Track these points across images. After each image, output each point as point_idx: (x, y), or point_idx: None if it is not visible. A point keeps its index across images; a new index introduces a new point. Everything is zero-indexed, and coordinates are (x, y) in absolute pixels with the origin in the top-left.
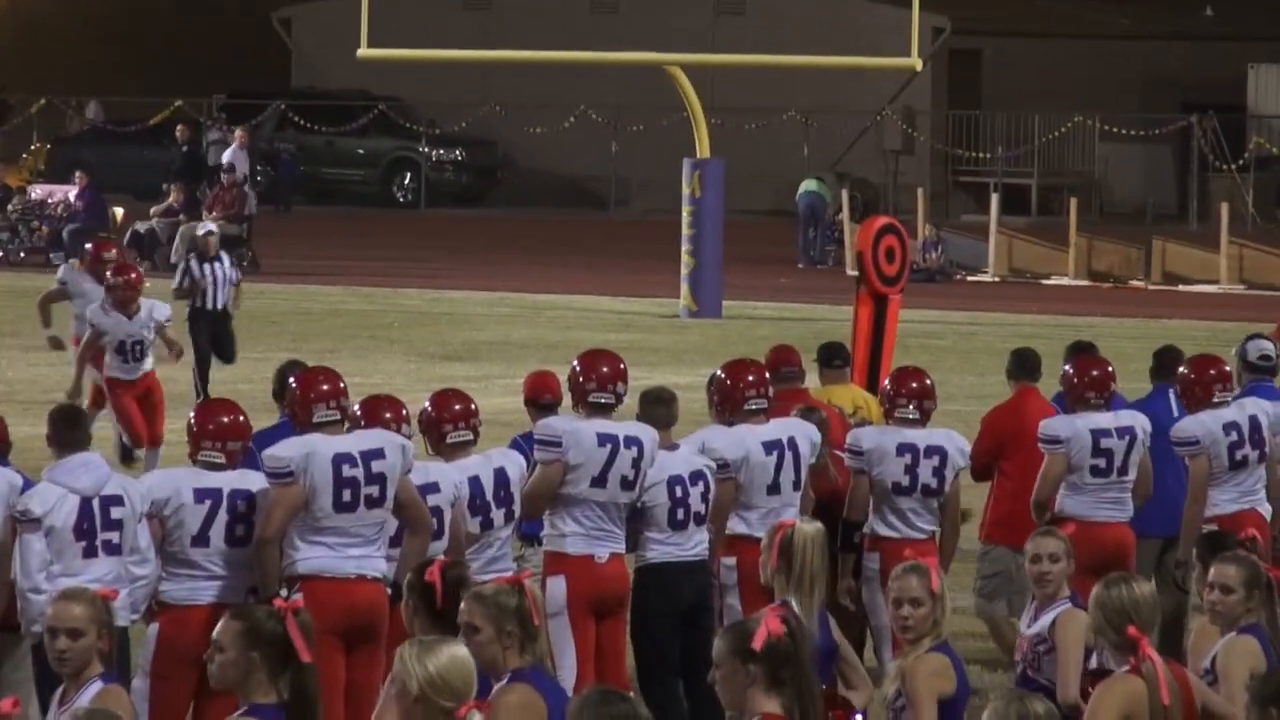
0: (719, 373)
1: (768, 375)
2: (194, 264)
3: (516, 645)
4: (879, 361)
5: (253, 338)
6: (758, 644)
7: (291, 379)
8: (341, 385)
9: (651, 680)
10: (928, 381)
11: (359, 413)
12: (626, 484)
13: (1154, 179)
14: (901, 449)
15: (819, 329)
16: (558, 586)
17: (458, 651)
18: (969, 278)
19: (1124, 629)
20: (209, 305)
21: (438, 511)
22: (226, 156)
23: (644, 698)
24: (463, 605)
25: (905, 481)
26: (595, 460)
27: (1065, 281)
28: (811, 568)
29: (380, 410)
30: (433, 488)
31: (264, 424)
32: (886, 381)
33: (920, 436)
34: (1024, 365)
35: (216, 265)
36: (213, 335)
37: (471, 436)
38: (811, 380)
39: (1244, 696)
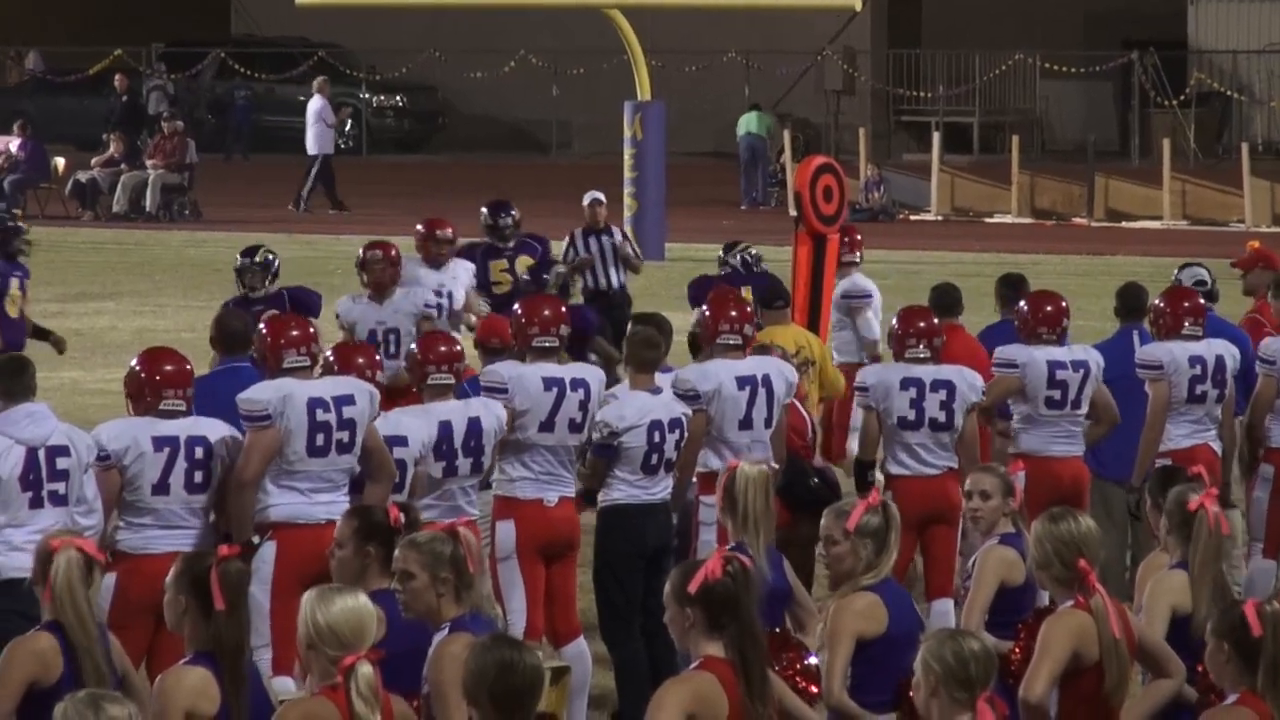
0: (704, 306)
1: (750, 311)
2: (579, 237)
3: (452, 592)
4: (819, 301)
5: (195, 286)
6: (692, 587)
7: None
8: (312, 331)
9: (613, 622)
10: (935, 320)
11: (331, 359)
12: (575, 427)
13: (1096, 116)
14: (906, 383)
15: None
16: (507, 530)
17: (352, 602)
18: (912, 217)
19: (1074, 562)
20: (601, 284)
21: (402, 465)
22: (313, 106)
23: (605, 640)
24: (397, 552)
25: (911, 416)
26: (542, 405)
27: (1008, 219)
28: (754, 509)
29: (353, 357)
30: (400, 441)
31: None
32: (894, 321)
33: (927, 371)
34: (943, 302)
35: (604, 238)
36: (611, 319)
37: (453, 380)
38: None
39: (1162, 627)
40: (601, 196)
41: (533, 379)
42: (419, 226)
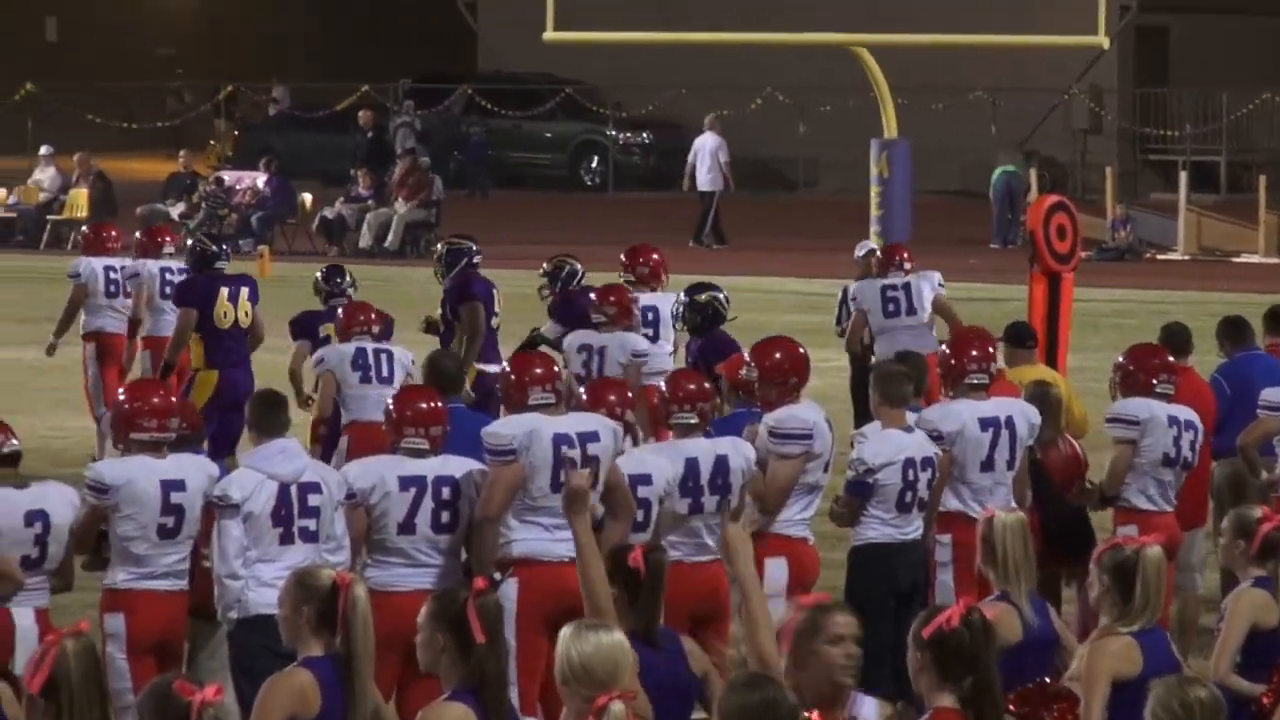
0: (943, 345)
1: (992, 350)
2: (849, 291)
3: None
4: (1056, 339)
5: None
6: (926, 632)
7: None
8: (556, 369)
9: (865, 662)
10: (1170, 358)
11: (584, 395)
12: (826, 469)
13: None
14: (1171, 420)
15: (1008, 309)
16: (779, 569)
17: (606, 639)
18: (1158, 256)
19: None
20: (865, 339)
21: (645, 503)
22: (708, 144)
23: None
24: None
25: (1173, 453)
26: (829, 447)
27: (1255, 259)
28: (1014, 557)
29: (605, 393)
30: (644, 479)
31: None
32: (1130, 357)
33: (1181, 411)
34: (1173, 342)
35: None
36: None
37: (697, 420)
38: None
39: None
40: (876, 248)
41: (821, 423)
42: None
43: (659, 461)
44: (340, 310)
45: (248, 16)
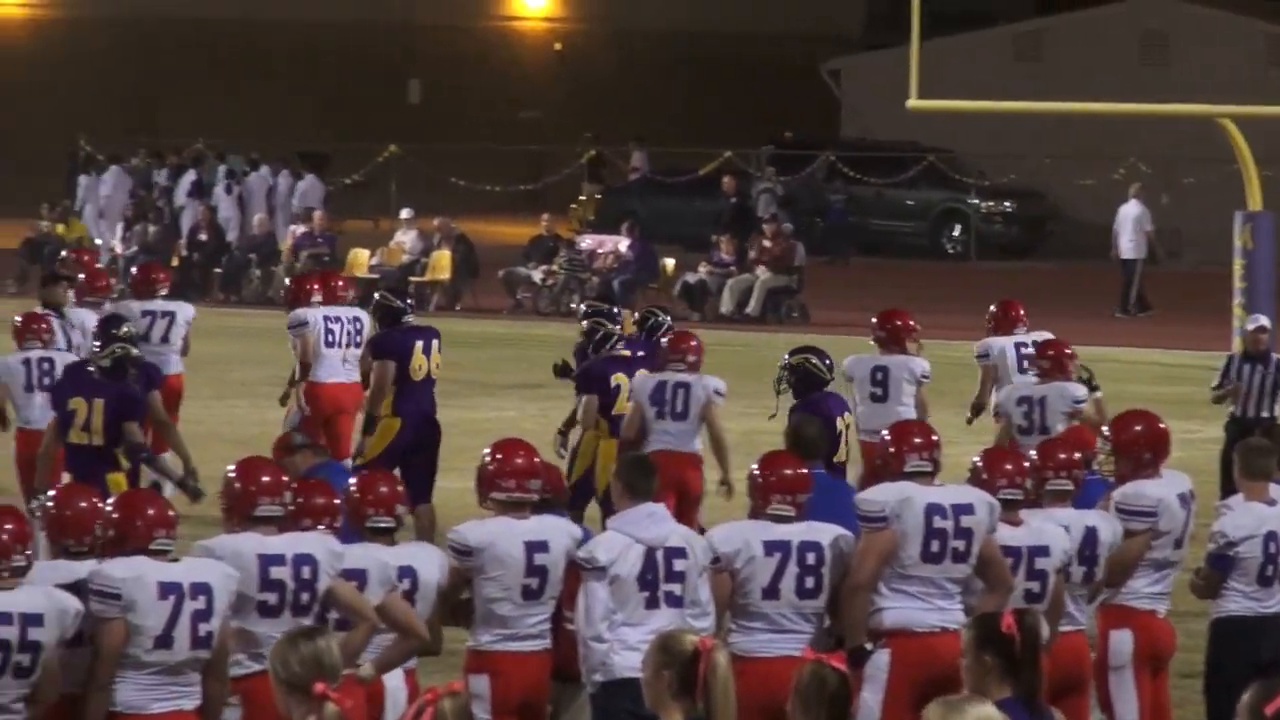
0: None
1: None
2: (1236, 361)
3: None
4: None
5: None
6: (1270, 709)
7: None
8: (934, 438)
9: None
10: None
11: (979, 465)
12: (1179, 545)
13: None
14: None
15: None
16: (1123, 640)
17: (976, 712)
18: None
19: None
20: (1249, 414)
21: (1042, 575)
22: (1131, 211)
23: None
24: None
25: None
26: (1180, 524)
27: None
28: None
29: (1003, 463)
30: (1042, 551)
31: None
32: None
33: None
34: None
35: (1264, 366)
36: None
37: (1071, 486)
38: None
39: None
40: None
41: (1172, 499)
42: None
43: (1057, 532)
44: (668, 338)
45: (611, 82)
